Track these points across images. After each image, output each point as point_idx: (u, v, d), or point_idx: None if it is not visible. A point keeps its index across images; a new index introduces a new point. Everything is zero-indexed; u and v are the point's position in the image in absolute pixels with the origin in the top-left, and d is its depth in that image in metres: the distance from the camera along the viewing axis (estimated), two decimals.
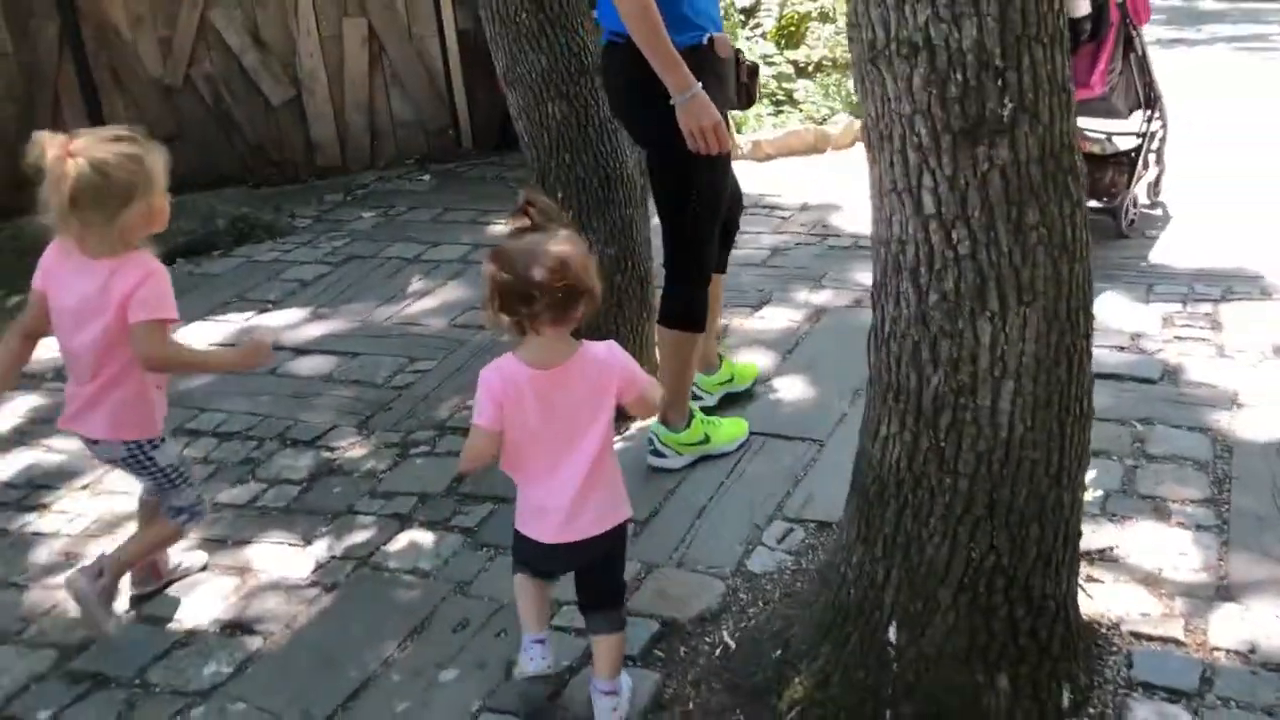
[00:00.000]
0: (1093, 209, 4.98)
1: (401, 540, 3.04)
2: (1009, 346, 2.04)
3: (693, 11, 2.93)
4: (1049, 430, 2.09)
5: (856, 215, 5.33)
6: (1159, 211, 5.12)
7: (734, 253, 5.05)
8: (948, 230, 2.01)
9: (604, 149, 3.55)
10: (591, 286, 2.09)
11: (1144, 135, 4.87)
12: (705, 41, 2.94)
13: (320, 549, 3.02)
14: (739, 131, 6.51)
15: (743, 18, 7.37)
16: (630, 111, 3.09)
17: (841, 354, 3.82)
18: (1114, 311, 4.00)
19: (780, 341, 4.02)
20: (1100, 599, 2.49)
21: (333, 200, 6.36)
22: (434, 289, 4.91)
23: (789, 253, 4.93)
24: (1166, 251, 4.67)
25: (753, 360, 3.84)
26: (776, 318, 4.25)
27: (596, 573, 2.30)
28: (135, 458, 2.60)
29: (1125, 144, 4.99)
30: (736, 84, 3.07)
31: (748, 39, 7.23)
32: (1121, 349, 3.71)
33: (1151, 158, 4.96)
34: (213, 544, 3.07)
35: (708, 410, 3.45)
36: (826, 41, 7.41)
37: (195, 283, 5.19)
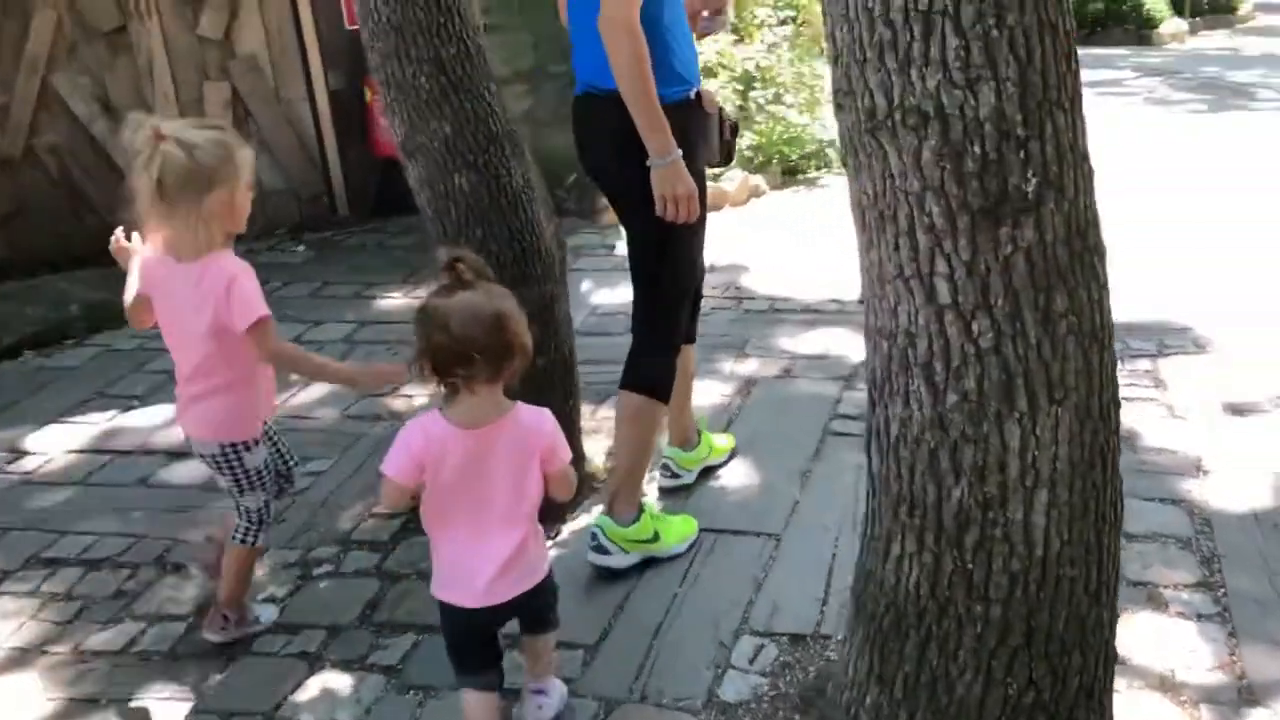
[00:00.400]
0: None
1: (312, 686, 2.61)
2: (1041, 451, 1.78)
3: (681, 65, 2.75)
4: (1086, 542, 1.84)
5: (767, 276, 5.12)
6: None
7: None
8: (967, 321, 1.75)
9: (518, 221, 3.22)
10: (526, 343, 2.04)
11: None
12: (693, 96, 2.81)
13: (214, 702, 2.58)
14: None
15: None
16: (611, 167, 2.85)
17: (781, 431, 3.55)
18: None
19: (713, 419, 3.73)
20: (1122, 711, 2.25)
21: None
22: None
23: (705, 319, 4.60)
24: None
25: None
26: (705, 392, 3.96)
27: (523, 611, 2.26)
28: (226, 457, 2.61)
29: None
30: (720, 140, 2.94)
31: None
32: None
33: None
34: (83, 704, 2.59)
35: (682, 488, 3.24)
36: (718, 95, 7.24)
37: (47, 378, 4.63)
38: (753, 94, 7.44)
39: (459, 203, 3.19)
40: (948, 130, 1.68)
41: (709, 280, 5.13)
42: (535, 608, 2.27)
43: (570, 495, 2.25)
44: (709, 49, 7.38)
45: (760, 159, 7.09)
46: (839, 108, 1.82)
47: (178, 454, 3.85)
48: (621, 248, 5.94)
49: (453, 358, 1.97)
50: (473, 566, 2.11)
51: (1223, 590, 2.64)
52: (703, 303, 4.75)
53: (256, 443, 2.65)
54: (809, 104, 7.77)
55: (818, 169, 7.50)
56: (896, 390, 1.86)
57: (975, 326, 1.74)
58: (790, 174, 7.30)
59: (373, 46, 3.13)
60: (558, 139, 4.58)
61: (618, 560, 2.89)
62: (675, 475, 3.33)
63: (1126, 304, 4.34)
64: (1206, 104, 9.64)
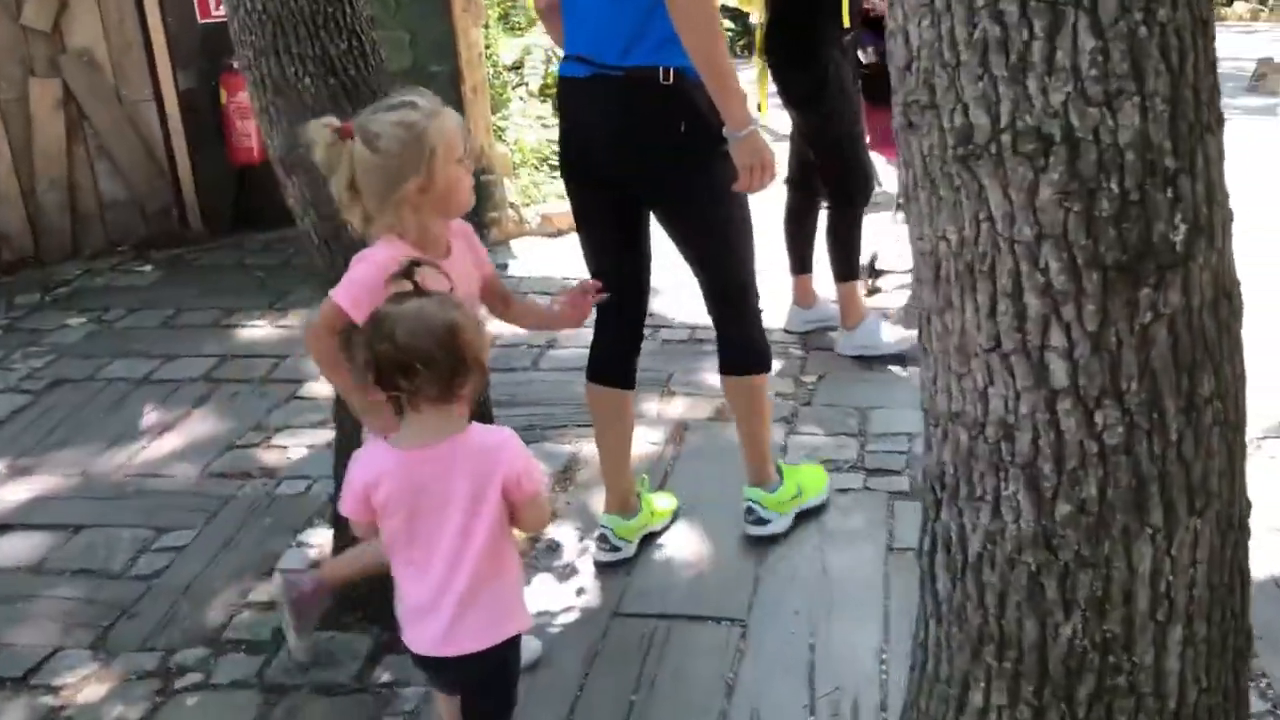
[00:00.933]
0: None
1: None
2: (1177, 575, 1.38)
3: None
4: (1225, 687, 1.44)
5: (679, 302, 4.64)
6: None
7: (557, 355, 4.33)
8: (1089, 411, 1.33)
9: None
10: (482, 357, 1.86)
11: None
12: None
13: None
14: (527, 204, 5.75)
15: (515, 76, 6.64)
16: (664, 152, 2.59)
17: (724, 487, 3.11)
18: None
19: (646, 474, 3.26)
20: None
21: (26, 303, 5.06)
22: (177, 421, 3.82)
23: None
24: None
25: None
26: (633, 440, 3.49)
27: (477, 696, 1.98)
28: None
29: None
30: None
31: (521, 100, 6.50)
32: None
33: None
34: None
35: (622, 563, 2.87)
36: None
37: None
38: None
39: (343, 227, 2.66)
40: (1077, 160, 1.25)
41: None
42: (491, 703, 1.99)
43: (542, 527, 2.10)
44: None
45: None
46: (908, 125, 1.38)
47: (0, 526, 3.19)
48: (516, 268, 5.46)
49: (395, 368, 1.80)
50: (429, 605, 1.90)
51: None
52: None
53: None
54: None
55: None
56: (981, 495, 1.43)
57: (1100, 418, 1.32)
58: None
59: (244, 40, 2.57)
60: None
61: (778, 524, 2.92)
62: (614, 548, 2.86)
63: None
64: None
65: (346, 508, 1.93)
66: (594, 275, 2.67)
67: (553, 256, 5.35)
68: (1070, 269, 1.29)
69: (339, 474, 2.53)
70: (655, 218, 2.75)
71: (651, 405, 3.72)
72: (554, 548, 2.95)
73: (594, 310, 2.58)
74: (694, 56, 2.44)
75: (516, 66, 6.93)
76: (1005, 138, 1.27)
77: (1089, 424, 1.33)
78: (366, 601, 2.58)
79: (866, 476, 3.17)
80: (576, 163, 2.74)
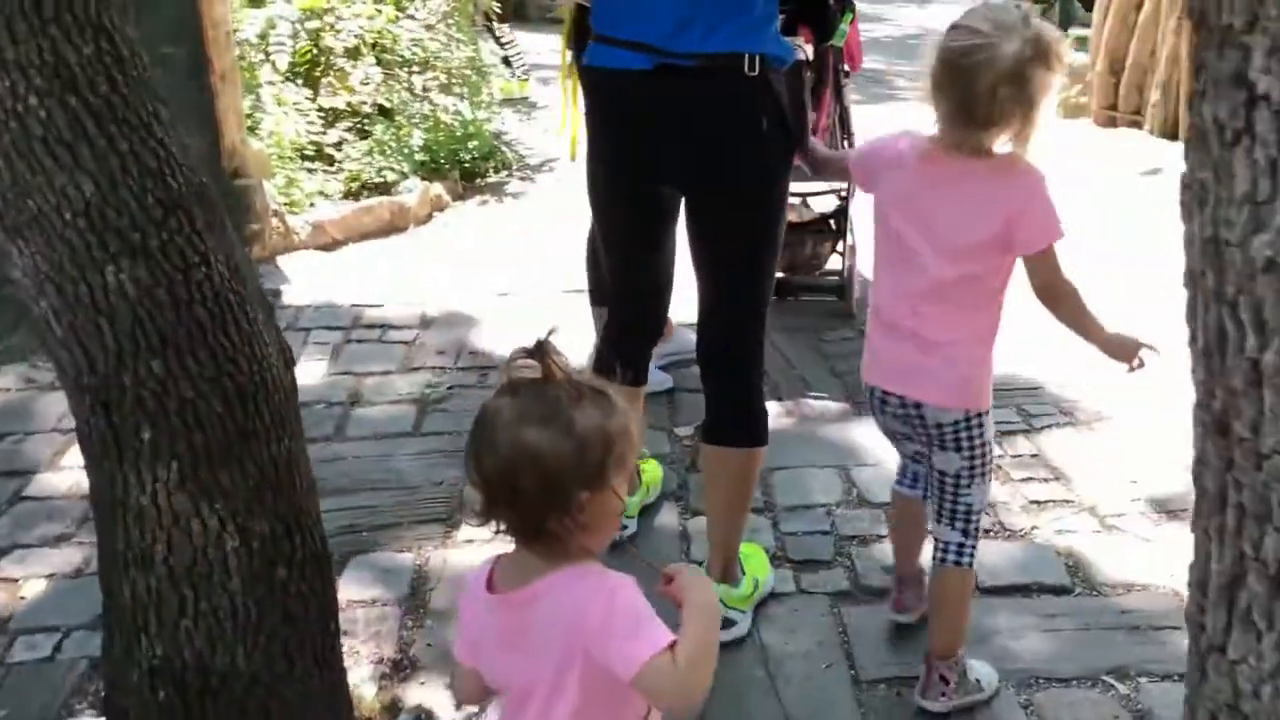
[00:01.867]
0: (808, 289, 4.12)
1: None
2: None
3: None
4: None
5: (498, 330, 3.96)
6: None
7: (366, 417, 3.38)
8: None
9: (228, 341, 1.89)
10: (566, 497, 1.32)
11: (844, 198, 4.03)
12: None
13: None
14: (294, 210, 4.82)
15: (264, 54, 5.62)
16: (745, 153, 2.23)
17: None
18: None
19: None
20: None
21: None
22: None
23: (447, 405, 3.43)
24: None
25: None
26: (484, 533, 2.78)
27: None
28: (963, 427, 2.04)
29: (821, 207, 4.17)
30: None
31: (270, 83, 5.51)
32: (988, 531, 2.71)
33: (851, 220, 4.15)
34: None
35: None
36: (376, 83, 5.89)
37: None
38: (416, 79, 6.18)
39: (116, 314, 1.81)
40: None
41: (431, 342, 3.91)
42: None
43: (689, 704, 1.44)
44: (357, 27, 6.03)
45: (433, 162, 5.85)
46: (1188, 204, 0.77)
47: None
48: (291, 293, 4.49)
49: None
50: None
51: None
52: (439, 377, 3.57)
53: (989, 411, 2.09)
54: (473, 90, 6.62)
55: (497, 171, 6.38)
56: None
57: None
58: (469, 179, 6.12)
59: None
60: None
61: (743, 625, 2.43)
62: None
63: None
64: None
65: (456, 646, 1.54)
66: (617, 266, 2.50)
67: (333, 275, 4.51)
68: None
69: (111, 616, 1.82)
70: (695, 218, 2.36)
71: None
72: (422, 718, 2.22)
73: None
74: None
75: (260, 39, 5.91)
76: None
77: None
78: None
79: (796, 572, 2.60)
80: (630, 169, 2.34)
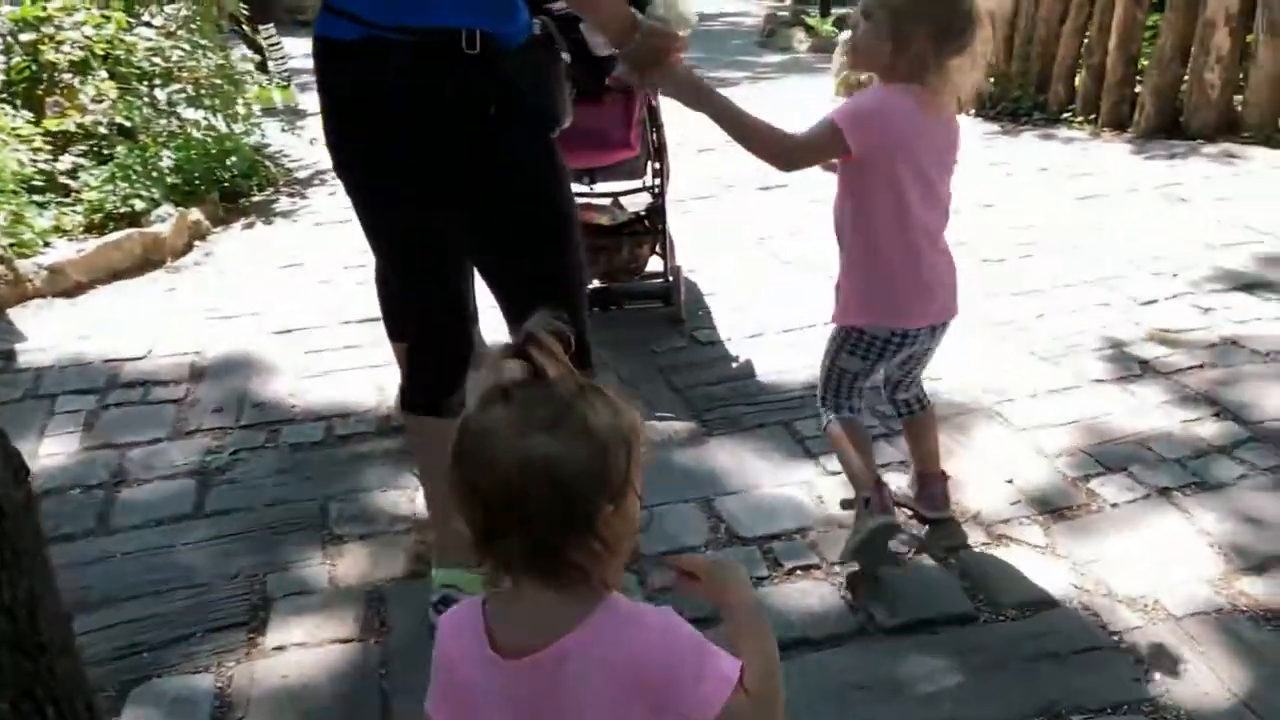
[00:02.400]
0: (631, 296, 3.77)
1: None
2: None
3: None
4: None
5: (283, 375, 3.45)
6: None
7: (134, 501, 2.75)
8: None
9: None
10: (592, 513, 1.12)
11: (658, 194, 3.72)
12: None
13: None
14: (24, 253, 4.11)
15: None
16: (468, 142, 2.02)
17: None
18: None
19: None
20: None
21: None
22: None
23: (233, 475, 2.90)
24: (767, 352, 3.55)
25: None
26: (299, 634, 2.29)
27: None
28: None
29: (633, 208, 3.85)
30: None
31: None
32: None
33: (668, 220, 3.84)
34: None
35: None
36: (111, 100, 5.17)
37: None
38: (159, 92, 5.50)
39: None
40: None
41: (205, 397, 3.35)
42: None
43: None
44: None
45: (187, 185, 5.20)
46: None
47: None
48: (30, 351, 3.75)
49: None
50: None
51: None
52: (220, 440, 3.03)
53: None
54: (225, 101, 5.98)
55: (262, 189, 5.77)
56: None
57: None
58: (230, 200, 5.48)
59: None
60: None
61: None
62: None
63: (792, 352, 3.30)
64: None
65: (429, 698, 1.29)
66: (408, 301, 2.31)
67: (80, 326, 3.86)
68: None
69: None
70: (454, 225, 2.12)
71: (313, 556, 2.52)
72: None
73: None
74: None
75: None
76: None
77: None
78: None
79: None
80: (362, 162, 2.09)
